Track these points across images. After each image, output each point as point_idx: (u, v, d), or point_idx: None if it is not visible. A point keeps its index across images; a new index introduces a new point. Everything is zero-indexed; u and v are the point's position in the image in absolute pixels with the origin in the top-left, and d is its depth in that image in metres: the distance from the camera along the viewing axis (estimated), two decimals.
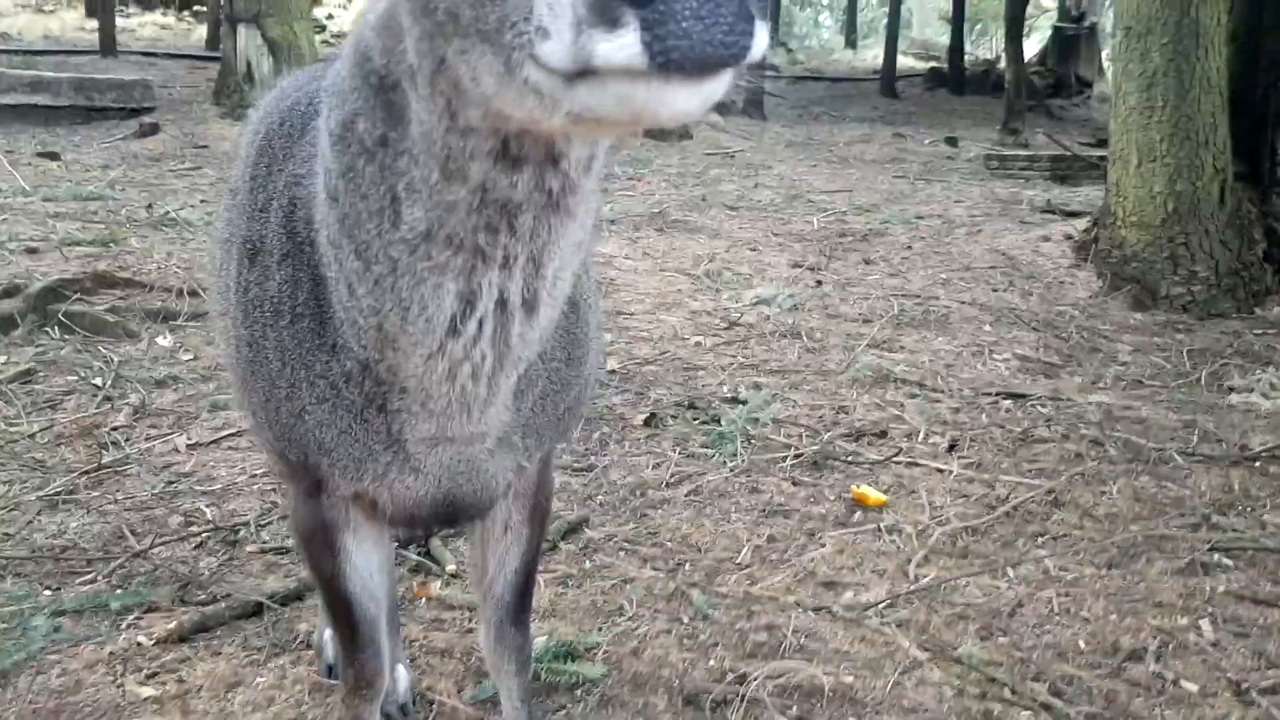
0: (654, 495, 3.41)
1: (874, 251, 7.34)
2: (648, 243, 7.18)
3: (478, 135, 1.12)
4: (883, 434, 3.99)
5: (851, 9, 30.45)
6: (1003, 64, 18.05)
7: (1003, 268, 6.85)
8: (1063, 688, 2.45)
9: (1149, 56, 6.12)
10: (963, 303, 5.97)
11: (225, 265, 1.71)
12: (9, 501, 3.13)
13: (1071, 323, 5.69)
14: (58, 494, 3.20)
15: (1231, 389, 4.69)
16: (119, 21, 16.41)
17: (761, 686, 2.38)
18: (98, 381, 4.06)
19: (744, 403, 4.20)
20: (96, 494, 3.23)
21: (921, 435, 3.99)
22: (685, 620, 2.69)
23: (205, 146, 9.98)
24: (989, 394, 4.48)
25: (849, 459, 3.76)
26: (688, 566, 2.97)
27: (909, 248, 7.49)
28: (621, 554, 3.02)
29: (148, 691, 2.28)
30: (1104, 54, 19.91)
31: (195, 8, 20.57)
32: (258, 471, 3.41)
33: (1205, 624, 2.73)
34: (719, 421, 4.01)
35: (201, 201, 7.38)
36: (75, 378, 4.10)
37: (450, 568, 2.87)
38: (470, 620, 2.61)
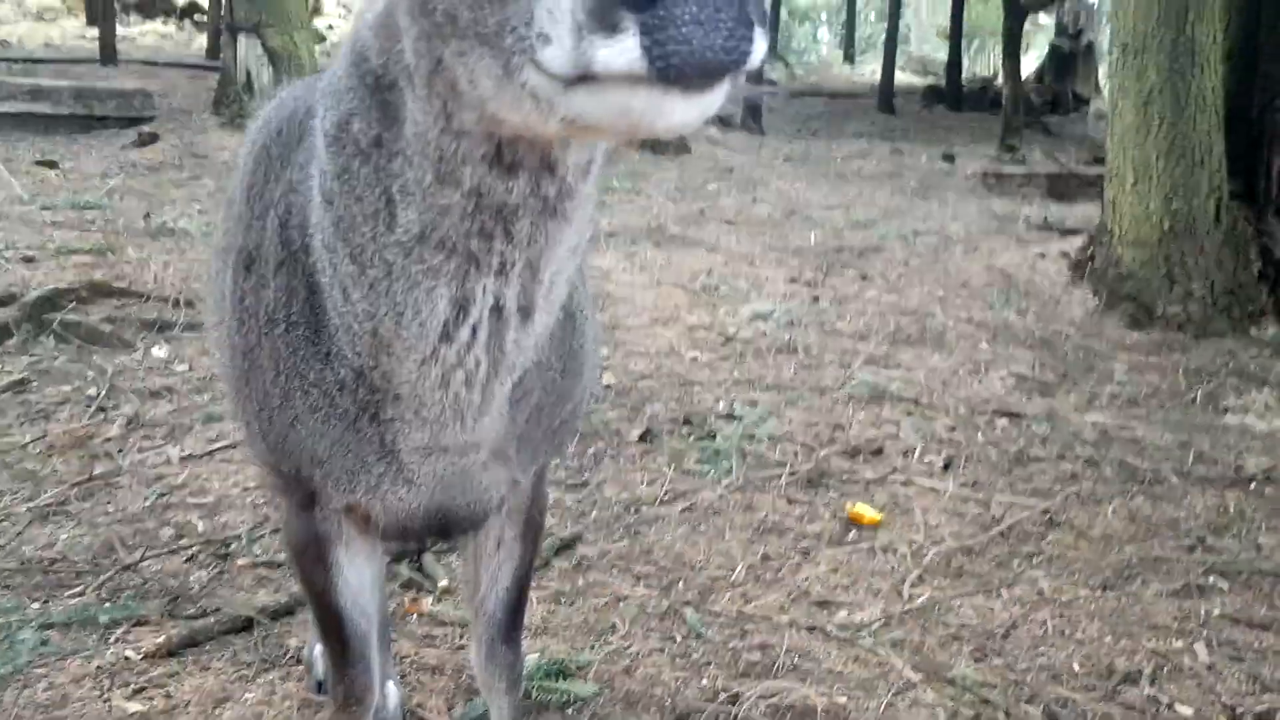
0: (648, 512, 3.40)
1: (871, 267, 7.34)
2: (645, 257, 7.18)
3: (471, 139, 1.12)
4: (878, 452, 3.99)
5: (850, 25, 30.54)
6: (1000, 80, 18.11)
7: (999, 285, 6.86)
8: (1057, 710, 2.44)
9: (1145, 74, 6.14)
10: (959, 320, 5.97)
11: (222, 274, 1.71)
12: None
13: (1067, 341, 5.70)
14: (49, 506, 3.19)
15: (1227, 409, 4.69)
16: (119, 30, 16.40)
17: (754, 706, 2.37)
18: (92, 392, 4.04)
19: (739, 419, 4.19)
20: (87, 506, 3.21)
21: (917, 453, 3.98)
22: (678, 639, 2.67)
23: (204, 156, 9.95)
24: (985, 412, 4.48)
25: (844, 477, 3.75)
26: (681, 584, 2.96)
27: (906, 264, 7.50)
28: (614, 571, 3.01)
29: (135, 706, 2.27)
30: (1101, 71, 19.97)
31: (196, 16, 20.61)
32: (250, 484, 3.39)
33: (1200, 647, 2.72)
34: (714, 438, 4.00)
35: (199, 211, 7.36)
36: (69, 388, 4.08)
37: (442, 584, 2.85)
38: (461, 637, 2.59)
